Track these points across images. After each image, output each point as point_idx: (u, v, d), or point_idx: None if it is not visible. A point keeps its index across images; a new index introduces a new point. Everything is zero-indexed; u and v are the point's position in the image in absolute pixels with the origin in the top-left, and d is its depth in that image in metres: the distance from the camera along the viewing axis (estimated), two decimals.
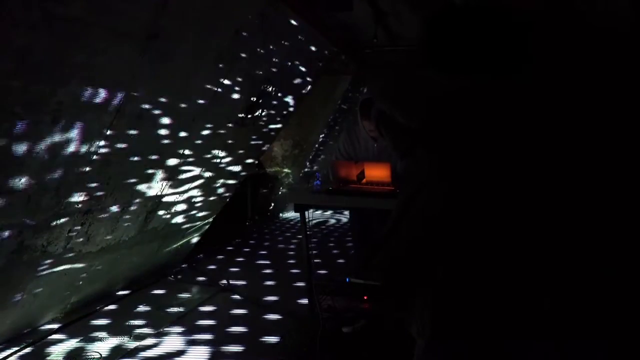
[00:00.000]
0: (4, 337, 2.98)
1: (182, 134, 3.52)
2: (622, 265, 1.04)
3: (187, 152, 3.72)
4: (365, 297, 3.40)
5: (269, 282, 4.45)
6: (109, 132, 2.80)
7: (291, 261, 5.17)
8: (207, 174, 4.26)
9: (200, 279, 4.47)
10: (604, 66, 1.17)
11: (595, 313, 1.02)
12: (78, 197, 2.88)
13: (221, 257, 5.28)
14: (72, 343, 3.05)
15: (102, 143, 2.80)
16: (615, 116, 1.10)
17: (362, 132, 3.70)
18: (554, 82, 1.13)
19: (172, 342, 3.13)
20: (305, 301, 3.67)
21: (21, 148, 2.33)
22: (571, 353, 1.02)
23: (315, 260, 4.44)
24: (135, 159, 3.21)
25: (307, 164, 7.87)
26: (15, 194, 2.44)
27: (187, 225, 4.54)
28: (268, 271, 4.80)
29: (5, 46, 2.00)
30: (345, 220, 7.35)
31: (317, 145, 7.83)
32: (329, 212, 7.86)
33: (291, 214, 7.70)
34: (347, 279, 3.63)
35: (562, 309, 1.02)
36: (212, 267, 4.91)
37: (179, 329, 3.32)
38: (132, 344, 3.06)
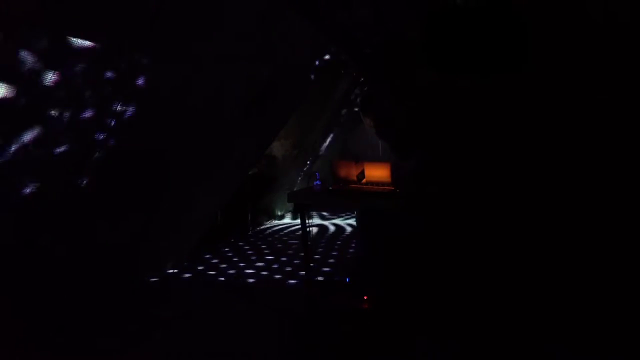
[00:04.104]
0: None
1: (182, 133, 3.52)
2: (617, 267, 1.04)
3: (186, 151, 3.72)
4: (365, 297, 3.40)
5: (268, 282, 4.45)
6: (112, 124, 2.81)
7: (290, 260, 5.17)
8: (209, 173, 4.26)
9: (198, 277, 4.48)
10: (603, 66, 1.18)
11: (594, 315, 1.03)
12: None
13: (221, 256, 5.29)
14: None
15: (104, 137, 2.81)
16: (613, 117, 1.11)
17: (368, 130, 3.69)
18: (552, 83, 1.13)
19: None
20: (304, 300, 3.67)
21: None
22: (570, 354, 1.02)
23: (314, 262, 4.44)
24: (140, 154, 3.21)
25: (307, 163, 7.87)
26: None
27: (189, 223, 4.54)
28: (268, 271, 4.80)
29: None
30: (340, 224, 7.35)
31: (317, 145, 7.83)
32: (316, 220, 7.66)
33: (284, 221, 7.54)
34: (347, 279, 3.63)
35: (561, 311, 1.02)
36: (212, 266, 4.91)
37: (180, 329, 3.33)
38: None
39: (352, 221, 6.98)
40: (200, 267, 4.85)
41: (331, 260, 5.17)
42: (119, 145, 3.00)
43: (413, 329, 1.14)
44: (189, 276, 4.56)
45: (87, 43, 2.35)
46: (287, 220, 7.59)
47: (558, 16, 1.29)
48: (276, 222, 7.48)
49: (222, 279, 4.49)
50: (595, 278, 1.13)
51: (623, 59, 1.24)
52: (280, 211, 7.79)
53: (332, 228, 6.97)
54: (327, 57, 5.39)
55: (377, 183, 3.19)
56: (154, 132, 3.25)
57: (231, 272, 4.73)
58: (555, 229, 1.03)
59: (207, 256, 5.26)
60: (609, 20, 1.45)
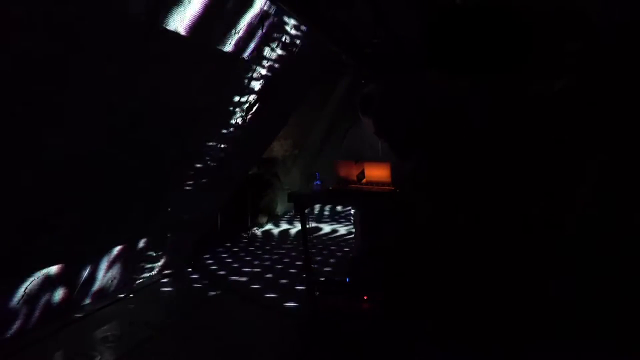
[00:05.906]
0: None
1: (183, 133, 3.52)
2: (613, 268, 1.04)
3: (187, 152, 3.71)
4: (365, 297, 3.40)
5: (268, 282, 4.44)
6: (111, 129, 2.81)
7: (290, 261, 5.17)
8: (210, 172, 4.26)
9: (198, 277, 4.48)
10: (604, 66, 1.18)
11: (588, 316, 1.03)
12: None
13: (220, 256, 5.29)
14: None
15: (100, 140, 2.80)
16: (614, 118, 1.11)
17: (366, 130, 3.68)
18: (552, 83, 1.13)
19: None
20: (305, 302, 3.67)
21: None
22: (568, 354, 1.02)
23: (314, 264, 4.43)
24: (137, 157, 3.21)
25: (307, 163, 7.86)
26: None
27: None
28: (267, 272, 4.80)
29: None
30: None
31: (317, 145, 7.82)
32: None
33: (265, 228, 7.12)
34: (347, 279, 3.62)
35: (558, 311, 1.03)
36: (212, 266, 4.91)
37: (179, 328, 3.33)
38: None
39: (350, 226, 6.97)
40: (200, 267, 4.86)
41: (329, 262, 5.17)
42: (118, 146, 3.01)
43: (413, 329, 1.15)
44: (189, 276, 4.56)
45: None
46: (269, 227, 7.20)
47: (558, 16, 1.29)
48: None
49: (222, 278, 4.49)
50: (593, 278, 1.13)
51: (623, 59, 1.24)
52: (280, 212, 7.76)
53: (330, 230, 6.97)
54: (327, 56, 5.38)
55: (377, 183, 3.19)
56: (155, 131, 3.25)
57: (230, 275, 4.73)
58: (554, 230, 1.03)
59: (207, 256, 5.26)
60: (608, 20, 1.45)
